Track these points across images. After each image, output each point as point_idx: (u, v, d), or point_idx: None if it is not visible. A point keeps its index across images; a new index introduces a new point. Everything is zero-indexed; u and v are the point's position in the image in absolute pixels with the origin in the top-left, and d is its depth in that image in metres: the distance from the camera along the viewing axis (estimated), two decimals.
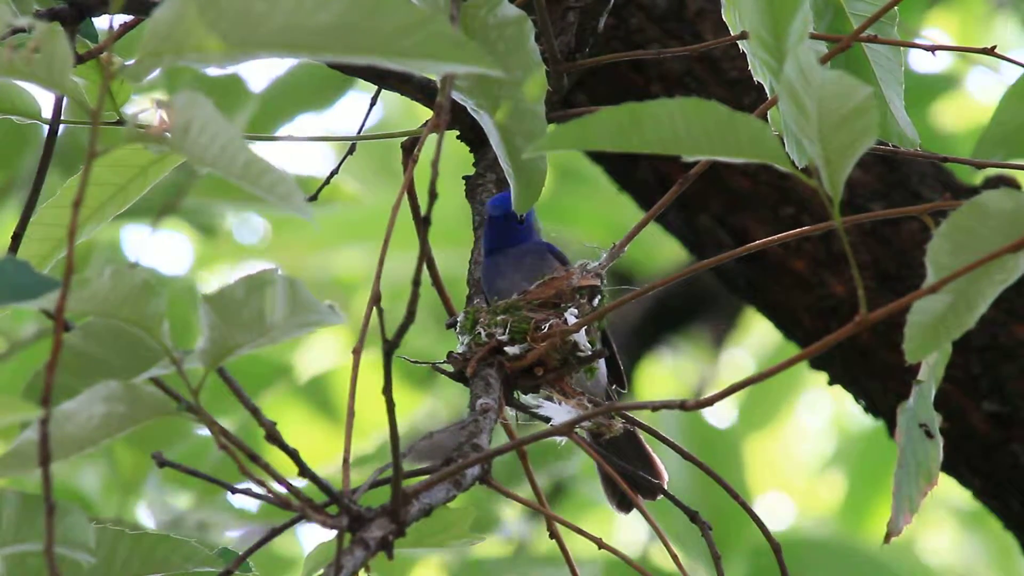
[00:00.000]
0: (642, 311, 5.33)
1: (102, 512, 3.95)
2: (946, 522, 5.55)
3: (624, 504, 2.36)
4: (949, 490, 3.38)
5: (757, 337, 5.88)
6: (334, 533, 1.92)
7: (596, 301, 2.30)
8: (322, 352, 5.36)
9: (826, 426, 5.93)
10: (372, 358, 4.18)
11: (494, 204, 2.40)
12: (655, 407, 1.92)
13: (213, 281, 5.20)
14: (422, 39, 1.71)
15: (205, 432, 1.82)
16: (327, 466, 4.58)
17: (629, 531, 5.30)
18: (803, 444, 5.91)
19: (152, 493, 3.99)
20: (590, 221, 5.12)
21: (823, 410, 5.91)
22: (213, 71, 3.74)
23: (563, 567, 4.40)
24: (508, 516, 4.63)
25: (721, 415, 5.14)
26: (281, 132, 4.04)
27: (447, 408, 5.32)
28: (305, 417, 4.70)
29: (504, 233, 2.38)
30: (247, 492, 1.92)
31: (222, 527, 4.03)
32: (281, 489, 1.90)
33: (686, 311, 5.44)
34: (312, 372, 4.78)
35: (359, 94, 5.17)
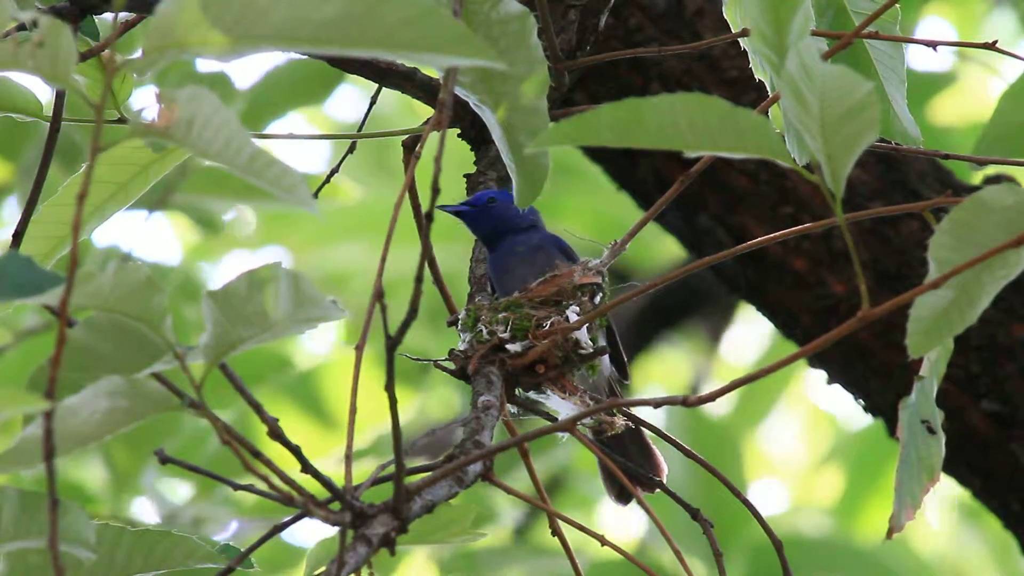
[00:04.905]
0: (638, 307, 5.33)
1: (101, 506, 3.95)
2: (944, 515, 5.55)
3: (623, 497, 2.37)
4: (948, 482, 3.38)
5: (753, 333, 5.89)
6: (336, 529, 1.92)
7: (597, 299, 2.30)
8: (307, 346, 5.36)
9: (819, 423, 5.93)
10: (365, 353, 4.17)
11: (459, 204, 2.42)
12: (656, 404, 1.92)
13: (207, 274, 5.20)
14: (425, 32, 1.71)
15: (202, 423, 1.82)
16: (318, 461, 4.57)
17: (624, 527, 5.30)
18: (798, 440, 5.92)
19: (149, 487, 3.99)
20: (586, 218, 5.12)
21: (815, 406, 5.92)
22: (203, 68, 3.76)
23: (556, 559, 4.40)
24: (503, 508, 4.63)
25: (714, 410, 5.14)
26: (272, 127, 4.04)
27: (439, 405, 5.32)
28: (294, 412, 4.70)
29: (485, 223, 2.40)
30: (250, 488, 1.92)
31: (218, 522, 4.03)
32: (284, 485, 1.90)
33: (682, 307, 5.45)
34: (302, 367, 4.77)
35: (351, 89, 5.17)
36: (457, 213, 2.42)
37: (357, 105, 5.42)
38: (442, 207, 2.42)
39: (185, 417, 1.86)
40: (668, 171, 3.29)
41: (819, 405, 5.90)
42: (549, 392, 2.28)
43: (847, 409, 5.76)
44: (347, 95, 5.44)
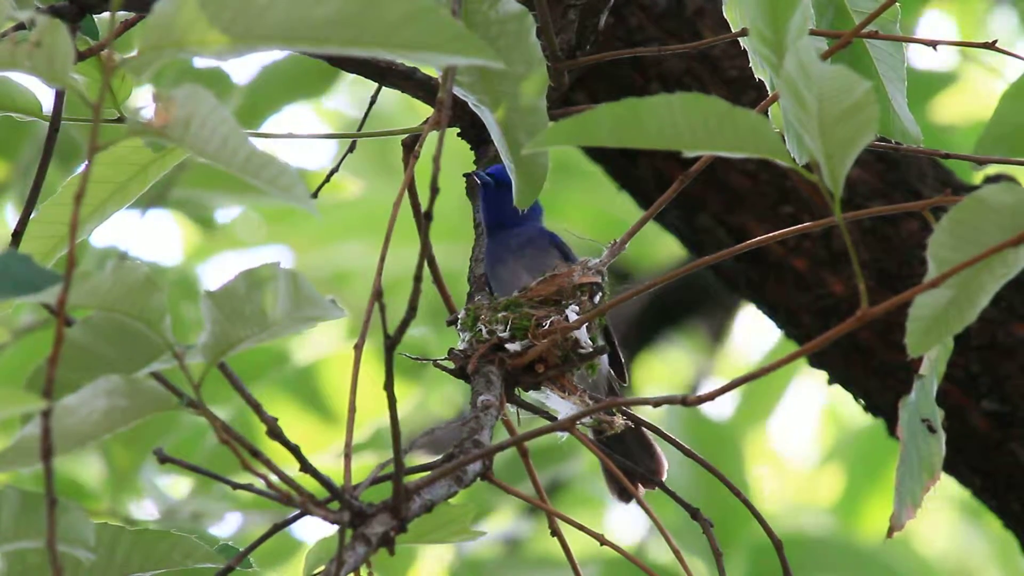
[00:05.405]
0: (640, 306, 5.33)
1: (99, 503, 3.95)
2: (946, 513, 5.55)
3: (625, 495, 2.37)
4: (949, 481, 3.38)
5: (754, 332, 5.89)
6: (335, 528, 1.92)
7: (597, 298, 2.30)
8: (308, 341, 5.35)
9: (821, 421, 5.93)
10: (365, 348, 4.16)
11: (486, 172, 2.43)
12: (656, 403, 1.92)
13: (208, 273, 5.21)
14: (423, 30, 1.71)
15: (201, 419, 1.81)
16: (317, 457, 4.57)
17: (626, 526, 5.30)
18: (799, 439, 5.92)
19: (148, 483, 3.99)
20: (587, 217, 5.12)
21: (817, 404, 5.92)
22: (201, 64, 3.76)
23: (558, 567, 4.40)
24: (505, 514, 4.63)
25: (718, 408, 5.14)
26: (273, 121, 4.05)
27: (441, 402, 5.32)
28: (293, 407, 4.69)
29: (498, 203, 2.40)
30: (249, 488, 1.92)
31: (217, 517, 4.03)
32: (282, 484, 1.90)
33: (683, 306, 5.45)
34: (301, 363, 4.77)
35: (356, 84, 5.16)
36: (482, 184, 2.42)
37: (364, 99, 5.41)
38: (473, 173, 2.43)
39: (184, 413, 1.86)
40: (668, 170, 3.29)
41: (824, 403, 5.90)
42: (549, 392, 2.28)
43: (852, 406, 5.75)
44: (353, 90, 5.44)
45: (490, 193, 2.42)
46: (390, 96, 5.06)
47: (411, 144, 2.45)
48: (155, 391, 1.82)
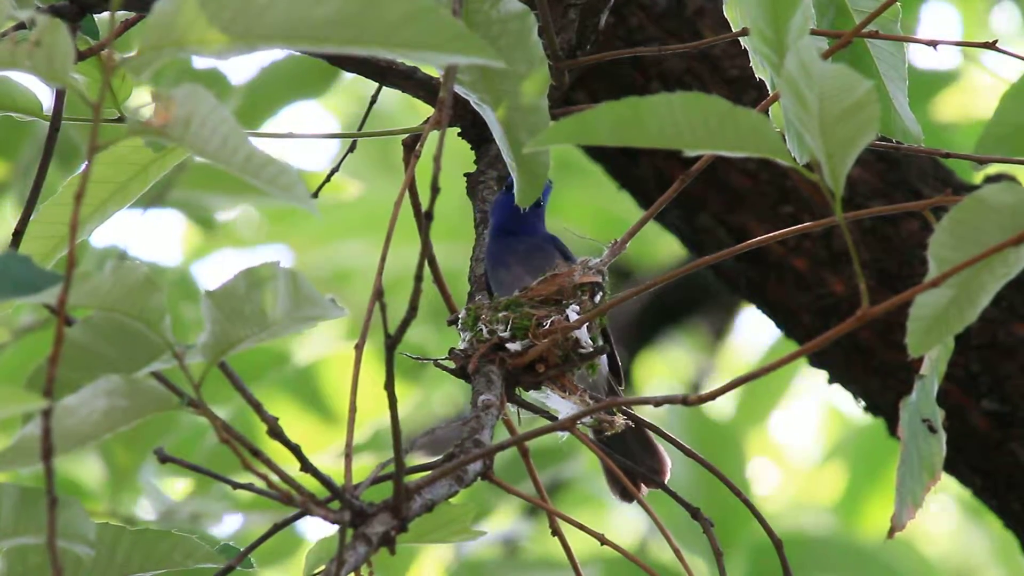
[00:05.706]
0: (641, 305, 5.34)
1: (98, 503, 3.95)
2: (948, 511, 5.55)
3: (627, 494, 2.37)
4: (950, 481, 3.38)
5: (755, 331, 5.90)
6: (336, 528, 1.92)
7: (598, 298, 2.30)
8: (308, 341, 5.36)
9: (822, 420, 5.93)
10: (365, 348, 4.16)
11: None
12: (657, 402, 1.92)
13: (207, 272, 5.21)
14: (423, 29, 1.71)
15: (201, 419, 1.81)
16: (317, 457, 4.57)
17: (627, 524, 5.30)
18: (800, 437, 5.92)
19: (148, 483, 3.99)
20: (588, 215, 5.12)
21: (819, 403, 5.92)
22: (199, 64, 3.76)
23: (559, 567, 4.40)
24: (506, 514, 4.62)
25: (719, 407, 5.14)
26: (276, 119, 4.05)
27: (443, 401, 5.32)
28: (293, 407, 4.70)
29: (516, 209, 2.40)
30: (249, 487, 1.92)
31: (216, 517, 4.03)
32: (283, 484, 1.90)
33: (684, 305, 5.45)
34: (301, 363, 4.77)
35: (352, 85, 5.17)
36: (507, 187, 2.42)
37: (364, 98, 5.41)
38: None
39: (184, 413, 1.86)
40: (668, 170, 3.29)
41: (825, 401, 5.90)
42: (549, 391, 2.28)
43: (853, 405, 5.75)
44: (354, 89, 5.44)
45: (511, 199, 2.41)
46: (390, 96, 5.06)
47: (412, 144, 2.45)
48: (155, 391, 1.82)
